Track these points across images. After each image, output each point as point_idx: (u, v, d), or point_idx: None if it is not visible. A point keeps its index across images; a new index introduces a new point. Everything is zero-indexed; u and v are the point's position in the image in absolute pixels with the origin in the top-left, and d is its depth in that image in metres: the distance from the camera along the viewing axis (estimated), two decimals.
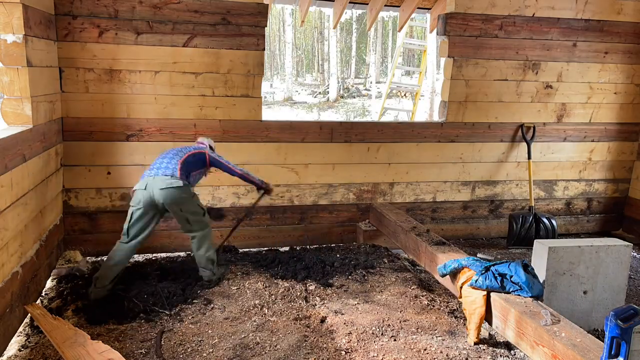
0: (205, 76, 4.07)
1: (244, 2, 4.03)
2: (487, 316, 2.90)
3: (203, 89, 4.08)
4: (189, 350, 2.81)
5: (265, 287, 3.60)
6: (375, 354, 2.78)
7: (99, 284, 3.31)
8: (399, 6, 6.45)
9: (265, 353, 2.78)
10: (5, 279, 2.67)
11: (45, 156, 3.44)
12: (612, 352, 2.05)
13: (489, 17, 4.54)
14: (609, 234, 5.20)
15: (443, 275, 3.28)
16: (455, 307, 3.40)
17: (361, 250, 4.38)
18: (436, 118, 5.03)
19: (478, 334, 2.92)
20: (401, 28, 7.18)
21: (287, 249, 4.48)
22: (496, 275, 2.87)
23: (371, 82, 26.02)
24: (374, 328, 3.04)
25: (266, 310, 3.27)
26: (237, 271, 3.79)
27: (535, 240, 3.29)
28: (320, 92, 24.78)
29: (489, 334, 3.03)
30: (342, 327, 3.05)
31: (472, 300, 2.90)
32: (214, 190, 4.29)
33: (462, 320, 3.18)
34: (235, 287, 3.59)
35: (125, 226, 3.43)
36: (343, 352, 2.80)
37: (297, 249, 4.48)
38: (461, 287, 3.03)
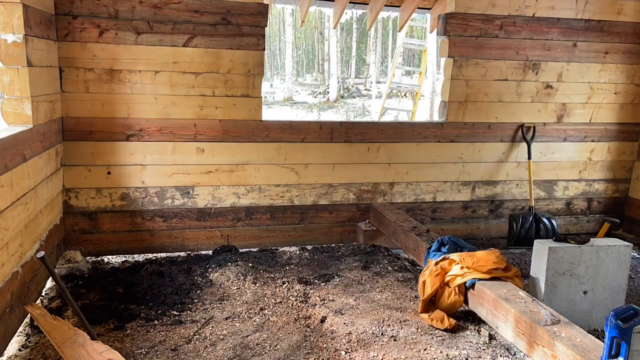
0: (206, 76, 4.07)
1: (244, 2, 4.03)
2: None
3: (203, 89, 4.09)
4: (189, 350, 2.81)
5: (266, 287, 3.61)
6: (375, 354, 2.78)
7: None
8: (399, 6, 6.45)
9: (265, 353, 2.78)
10: (5, 279, 2.68)
11: (46, 156, 3.45)
12: (612, 352, 2.05)
13: (489, 17, 4.54)
14: (609, 234, 5.20)
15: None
16: None
17: (361, 250, 4.38)
18: (436, 118, 5.03)
19: (423, 305, 3.17)
20: (401, 28, 7.18)
21: (287, 248, 4.48)
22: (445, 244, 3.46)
23: (371, 82, 26.05)
24: (374, 328, 3.04)
25: (266, 310, 3.28)
26: (237, 271, 3.79)
27: (535, 240, 3.29)
28: (320, 92, 24.80)
29: (489, 334, 3.03)
30: (342, 327, 3.05)
31: (422, 274, 3.32)
32: (214, 190, 4.29)
33: (462, 320, 3.19)
34: (235, 287, 3.59)
35: None
36: (343, 352, 2.80)
37: (297, 249, 4.48)
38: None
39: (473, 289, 3.08)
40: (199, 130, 4.14)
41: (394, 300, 3.45)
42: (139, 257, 4.22)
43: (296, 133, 4.40)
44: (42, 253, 2.44)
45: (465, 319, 3.22)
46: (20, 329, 2.98)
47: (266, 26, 4.15)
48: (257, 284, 3.64)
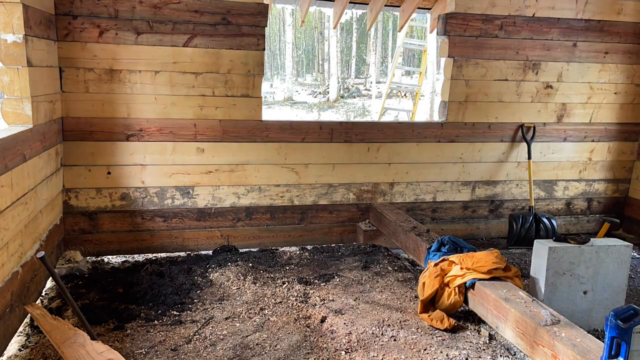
0: (205, 76, 4.07)
1: (244, 2, 4.03)
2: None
3: (203, 89, 4.09)
4: (189, 350, 2.81)
5: (266, 287, 3.61)
6: (375, 354, 2.79)
7: None
8: (399, 6, 6.45)
9: (265, 353, 2.78)
10: (5, 279, 2.68)
11: (46, 156, 3.45)
12: (612, 352, 2.05)
13: (489, 17, 4.54)
14: (609, 234, 5.20)
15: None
16: None
17: (361, 250, 4.38)
18: (436, 118, 5.03)
19: (422, 305, 3.17)
20: (401, 28, 7.18)
21: (287, 248, 4.49)
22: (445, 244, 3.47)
23: (371, 82, 26.06)
24: (374, 328, 3.04)
25: (266, 310, 3.28)
26: (237, 271, 3.79)
27: (535, 240, 3.29)
28: (320, 92, 24.80)
29: (489, 334, 3.03)
30: (342, 327, 3.05)
31: (422, 275, 3.32)
32: (214, 190, 4.29)
33: (462, 320, 3.19)
34: (235, 287, 3.59)
35: None
36: (343, 352, 2.81)
37: (297, 249, 4.48)
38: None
39: (473, 289, 3.08)
40: (199, 130, 4.14)
41: (394, 300, 3.45)
42: (139, 257, 4.22)
43: (296, 133, 4.40)
44: (42, 253, 2.44)
45: (465, 319, 3.22)
46: (20, 329, 2.98)
47: (266, 26, 4.15)
48: (257, 284, 3.64)
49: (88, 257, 4.11)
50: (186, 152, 4.15)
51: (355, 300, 3.42)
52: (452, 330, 3.05)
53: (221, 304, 3.35)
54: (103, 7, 3.76)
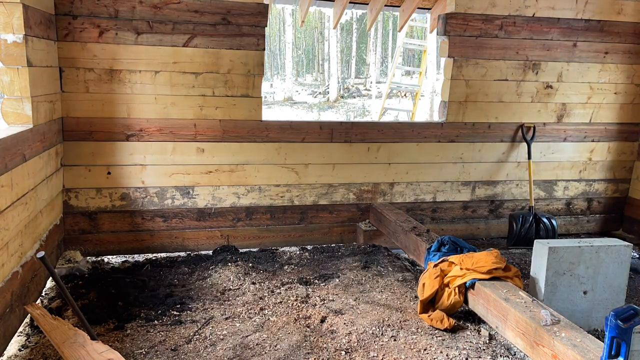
0: (206, 76, 4.07)
1: (244, 2, 4.03)
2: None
3: (203, 89, 4.09)
4: (189, 350, 2.81)
5: (265, 287, 3.61)
6: (375, 354, 2.79)
7: None
8: (399, 6, 6.45)
9: (265, 353, 2.78)
10: (5, 278, 2.68)
11: (46, 156, 3.45)
12: (612, 352, 2.05)
13: (489, 17, 4.54)
14: (609, 234, 5.20)
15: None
16: None
17: (361, 250, 4.38)
18: (436, 118, 5.03)
19: (422, 306, 3.17)
20: (401, 28, 7.18)
21: (287, 248, 4.49)
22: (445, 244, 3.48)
23: (371, 82, 26.05)
24: (374, 328, 3.04)
25: (266, 310, 3.28)
26: (237, 271, 3.79)
27: (535, 240, 3.28)
28: (320, 92, 24.80)
29: (489, 334, 3.03)
30: (342, 327, 3.05)
31: (422, 276, 3.32)
32: (214, 190, 4.29)
33: (462, 320, 3.19)
34: (235, 287, 3.59)
35: None
36: (343, 352, 2.80)
37: (297, 249, 4.48)
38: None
39: (473, 289, 3.08)
40: (199, 130, 4.15)
41: (394, 300, 3.45)
42: (139, 257, 4.22)
43: (296, 133, 4.40)
44: (42, 253, 2.44)
45: (465, 319, 3.22)
46: (20, 329, 2.98)
47: (266, 26, 4.16)
48: (257, 284, 3.64)
49: (88, 257, 4.11)
50: (186, 152, 4.15)
51: (355, 300, 3.42)
52: (452, 330, 3.05)
53: (221, 304, 3.35)
54: (103, 7, 3.76)
